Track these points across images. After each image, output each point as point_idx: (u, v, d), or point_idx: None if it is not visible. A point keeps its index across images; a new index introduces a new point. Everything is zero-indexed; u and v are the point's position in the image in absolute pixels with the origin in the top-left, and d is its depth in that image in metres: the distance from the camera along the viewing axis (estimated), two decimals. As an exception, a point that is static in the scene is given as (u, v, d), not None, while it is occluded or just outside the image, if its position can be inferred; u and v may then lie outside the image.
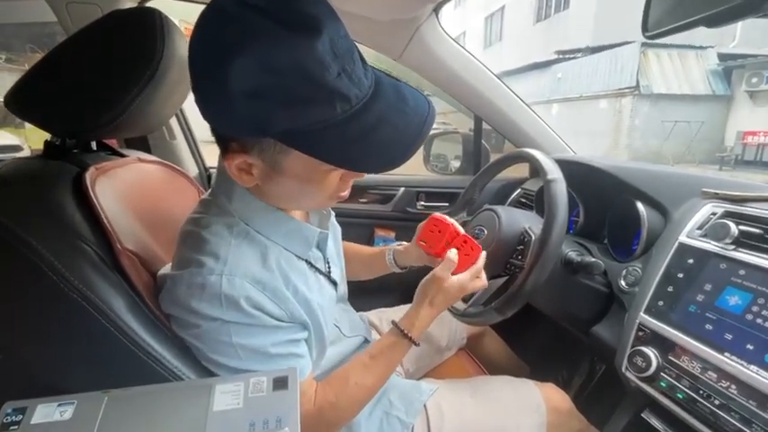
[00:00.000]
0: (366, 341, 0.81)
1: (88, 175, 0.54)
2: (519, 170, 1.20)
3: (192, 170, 1.38)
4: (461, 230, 0.69)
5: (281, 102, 0.40)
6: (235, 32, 0.39)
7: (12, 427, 0.43)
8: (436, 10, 1.01)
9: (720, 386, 0.55)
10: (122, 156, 0.71)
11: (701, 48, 10.63)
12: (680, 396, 0.58)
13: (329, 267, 0.66)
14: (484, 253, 0.68)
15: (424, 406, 0.72)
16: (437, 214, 0.70)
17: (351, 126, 0.43)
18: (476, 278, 0.66)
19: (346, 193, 0.56)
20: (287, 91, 0.40)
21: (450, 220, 0.69)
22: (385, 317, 0.98)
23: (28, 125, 0.58)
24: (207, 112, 0.43)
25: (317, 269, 0.61)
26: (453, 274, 0.64)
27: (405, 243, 0.81)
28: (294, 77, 0.39)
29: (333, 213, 0.77)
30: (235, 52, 0.38)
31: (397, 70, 1.16)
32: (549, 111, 12.70)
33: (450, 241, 0.68)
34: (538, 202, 1.08)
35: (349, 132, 0.43)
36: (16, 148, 4.77)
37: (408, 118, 0.46)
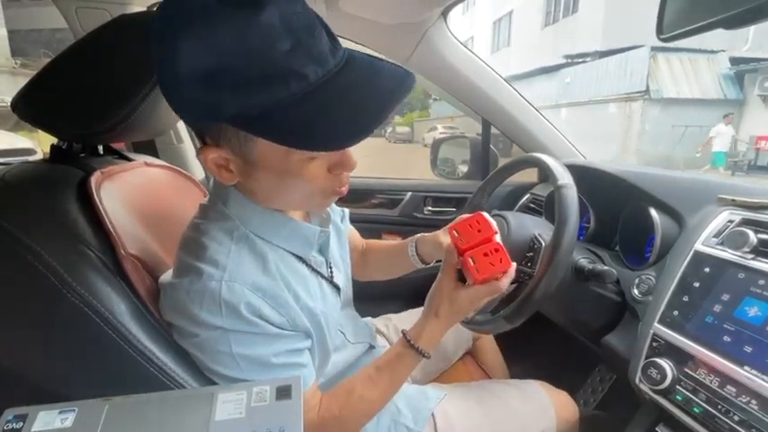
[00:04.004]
0: (371, 347, 0.79)
1: (93, 180, 0.54)
2: (528, 175, 1.18)
3: (199, 174, 1.38)
4: (499, 241, 0.61)
5: (228, 82, 0.39)
6: (182, 14, 0.39)
7: (12, 434, 0.42)
8: (444, 14, 1.01)
9: (740, 401, 0.53)
10: (129, 160, 0.71)
11: (712, 52, 10.52)
12: (697, 410, 0.56)
13: (331, 271, 0.64)
14: (512, 270, 0.60)
15: (432, 413, 0.71)
16: (485, 214, 0.63)
17: (308, 104, 0.40)
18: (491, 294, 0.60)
19: (344, 189, 0.53)
20: (233, 71, 0.39)
21: (497, 228, 0.62)
22: (391, 323, 0.97)
23: (41, 127, 0.58)
24: (166, 98, 0.43)
25: (320, 273, 0.60)
26: (476, 279, 0.58)
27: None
28: (239, 56, 0.38)
29: (344, 215, 0.76)
30: (180, 34, 0.38)
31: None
32: (557, 115, 12.63)
33: (481, 243, 0.60)
34: (548, 207, 1.06)
35: (306, 110, 0.40)
36: (29, 152, 4.83)
37: (375, 87, 0.43)
